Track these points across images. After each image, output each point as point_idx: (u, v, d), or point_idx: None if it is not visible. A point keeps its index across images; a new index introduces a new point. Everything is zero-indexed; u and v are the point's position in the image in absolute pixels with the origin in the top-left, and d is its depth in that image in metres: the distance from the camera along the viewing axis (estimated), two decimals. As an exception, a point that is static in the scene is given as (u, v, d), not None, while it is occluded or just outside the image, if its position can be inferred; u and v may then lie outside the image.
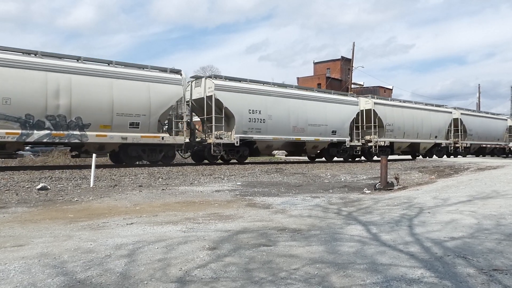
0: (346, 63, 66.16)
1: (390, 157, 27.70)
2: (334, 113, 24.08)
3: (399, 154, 30.21)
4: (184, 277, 3.29)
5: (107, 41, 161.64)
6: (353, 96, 26.84)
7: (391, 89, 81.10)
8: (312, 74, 75.96)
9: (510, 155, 37.95)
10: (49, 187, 9.73)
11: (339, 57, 74.10)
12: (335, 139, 24.01)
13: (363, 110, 26.22)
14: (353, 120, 25.37)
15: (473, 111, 37.41)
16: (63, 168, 14.61)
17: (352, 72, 49.97)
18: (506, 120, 39.78)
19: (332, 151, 24.52)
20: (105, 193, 9.14)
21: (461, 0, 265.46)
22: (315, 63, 79.09)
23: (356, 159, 26.76)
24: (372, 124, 25.82)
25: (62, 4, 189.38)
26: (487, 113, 38.99)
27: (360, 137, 25.89)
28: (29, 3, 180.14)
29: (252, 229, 5.26)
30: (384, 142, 26.40)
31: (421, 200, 7.98)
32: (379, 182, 10.77)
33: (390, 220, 5.80)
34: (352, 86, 53.03)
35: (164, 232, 5.03)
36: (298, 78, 73.94)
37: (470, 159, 26.42)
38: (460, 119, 33.11)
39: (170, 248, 4.21)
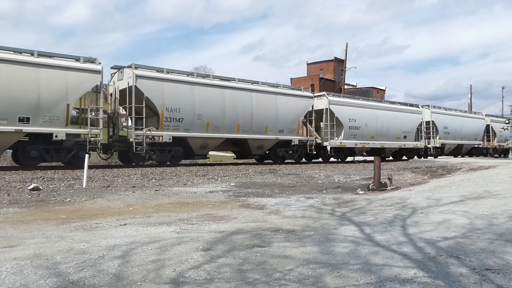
0: (339, 64, 66.36)
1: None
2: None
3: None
4: (178, 278, 3.28)
5: (102, 40, 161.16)
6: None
7: (384, 90, 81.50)
8: (306, 75, 76.09)
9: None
10: (41, 188, 9.65)
11: (333, 58, 74.30)
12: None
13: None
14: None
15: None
16: (55, 168, 14.50)
17: (345, 73, 50.12)
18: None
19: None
20: (98, 194, 9.09)
21: (456, 0, 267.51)
22: (308, 64, 79.20)
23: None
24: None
25: (56, 2, 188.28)
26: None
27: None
28: (23, 1, 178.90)
29: (246, 230, 5.26)
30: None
31: (414, 200, 8.02)
32: (373, 182, 10.82)
33: (384, 221, 5.82)
34: (345, 87, 53.19)
35: (157, 233, 5.00)
36: (291, 79, 74.00)
37: (462, 160, 26.56)
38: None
39: (163, 249, 4.19)
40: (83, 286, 3.11)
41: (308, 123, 23.60)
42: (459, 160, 26.23)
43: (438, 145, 31.34)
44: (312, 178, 14.24)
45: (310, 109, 22.98)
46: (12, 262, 3.69)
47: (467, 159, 27.88)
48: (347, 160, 26.15)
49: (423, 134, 30.31)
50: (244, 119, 19.65)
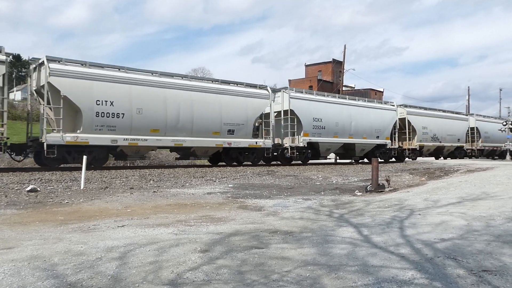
0: (337, 65, 66.54)
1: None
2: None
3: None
4: (176, 280, 3.28)
5: (100, 41, 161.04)
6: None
7: (382, 92, 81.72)
8: (304, 77, 76.21)
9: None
10: (39, 189, 9.64)
11: (331, 60, 74.47)
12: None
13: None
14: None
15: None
16: (53, 170, 14.47)
17: (343, 75, 50.22)
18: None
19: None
20: (96, 195, 9.08)
21: (455, 3, 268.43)
22: (306, 66, 79.44)
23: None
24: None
25: (54, 3, 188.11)
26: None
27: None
28: (21, 2, 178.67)
29: (244, 231, 5.26)
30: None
31: (412, 202, 8.04)
32: (370, 184, 10.83)
33: (381, 222, 5.83)
34: (344, 88, 53.27)
35: (155, 235, 5.00)
36: (289, 80, 74.19)
37: (460, 161, 26.55)
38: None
39: (161, 250, 4.19)
40: (81, 288, 3.10)
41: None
42: (456, 161, 26.16)
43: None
44: (310, 179, 14.25)
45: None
46: (9, 263, 3.69)
47: (464, 161, 27.79)
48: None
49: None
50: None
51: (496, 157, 39.06)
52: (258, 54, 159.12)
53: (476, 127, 36.71)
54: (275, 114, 22.45)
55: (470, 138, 36.13)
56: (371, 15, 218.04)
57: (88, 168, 12.58)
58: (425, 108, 32.50)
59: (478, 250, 4.18)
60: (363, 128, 25.51)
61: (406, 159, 29.20)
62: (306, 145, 22.19)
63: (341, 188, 11.59)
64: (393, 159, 28.65)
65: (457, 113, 36.43)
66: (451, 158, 33.04)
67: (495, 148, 39.19)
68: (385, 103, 29.31)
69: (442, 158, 33.38)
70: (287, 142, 21.98)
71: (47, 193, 9.26)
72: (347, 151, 25.99)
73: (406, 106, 30.11)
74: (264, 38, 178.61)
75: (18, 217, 6.40)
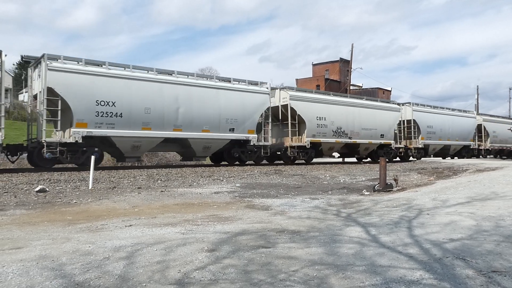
0: (345, 64, 66.27)
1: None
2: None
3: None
4: (183, 279, 3.28)
5: (108, 42, 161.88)
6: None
7: (390, 91, 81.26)
8: (311, 76, 76.05)
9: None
10: (47, 189, 9.71)
11: (338, 59, 74.21)
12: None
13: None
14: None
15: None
16: (61, 170, 14.58)
17: (350, 74, 50.02)
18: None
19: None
20: (104, 195, 9.13)
21: (463, 2, 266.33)
22: (313, 65, 79.21)
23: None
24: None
25: (63, 5, 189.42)
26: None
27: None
28: (30, 5, 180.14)
29: (251, 231, 5.25)
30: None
31: (420, 201, 7.98)
32: (378, 183, 10.77)
33: (389, 222, 5.79)
34: (351, 87, 53.07)
35: (163, 234, 5.02)
36: (297, 80, 74.04)
37: (469, 161, 26.33)
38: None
39: (169, 250, 4.20)
40: (88, 287, 3.12)
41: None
42: (465, 161, 25.89)
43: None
44: (318, 179, 14.21)
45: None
46: (18, 263, 3.72)
47: (473, 160, 27.52)
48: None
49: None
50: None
51: (504, 157, 38.57)
52: (265, 54, 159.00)
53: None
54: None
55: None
56: (379, 15, 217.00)
57: (96, 168, 12.65)
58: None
59: (488, 250, 4.14)
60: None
61: (411, 158, 28.77)
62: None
63: (349, 187, 11.54)
64: (398, 159, 28.35)
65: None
66: (458, 158, 32.61)
67: (503, 148, 38.69)
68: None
69: (449, 157, 32.92)
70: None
71: (55, 193, 9.33)
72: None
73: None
74: (271, 38, 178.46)
75: (27, 217, 6.45)
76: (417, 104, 30.63)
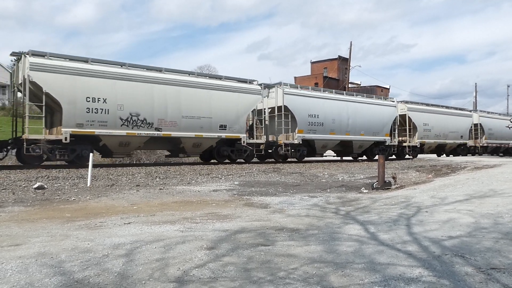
0: (343, 62, 66.24)
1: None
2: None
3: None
4: (182, 277, 3.28)
5: (107, 39, 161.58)
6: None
7: (388, 89, 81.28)
8: (310, 74, 76.03)
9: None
10: (46, 186, 9.69)
11: (337, 57, 74.19)
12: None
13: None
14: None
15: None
16: (60, 167, 14.56)
17: (349, 72, 50.01)
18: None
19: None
20: (102, 193, 9.12)
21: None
22: (312, 63, 79.24)
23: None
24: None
25: (62, 2, 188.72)
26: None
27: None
28: (29, 1, 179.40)
29: (250, 228, 5.25)
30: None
31: (419, 199, 7.99)
32: (377, 181, 10.79)
33: (388, 220, 5.80)
34: (349, 85, 53.07)
35: (161, 232, 5.01)
36: (295, 78, 74.05)
37: (467, 158, 26.35)
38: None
39: (168, 248, 4.20)
40: (87, 285, 3.11)
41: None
42: (463, 159, 25.92)
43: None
44: (316, 177, 14.22)
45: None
46: (17, 260, 3.71)
47: (471, 158, 27.57)
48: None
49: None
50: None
51: (500, 154, 38.58)
52: (265, 51, 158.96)
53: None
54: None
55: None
56: (378, 12, 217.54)
57: (94, 165, 12.63)
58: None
59: (486, 247, 4.15)
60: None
61: (407, 156, 28.77)
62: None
63: (347, 185, 11.55)
64: (393, 156, 28.30)
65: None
66: (454, 155, 32.61)
67: (499, 145, 38.69)
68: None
69: (444, 155, 32.89)
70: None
71: (54, 190, 9.31)
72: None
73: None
74: (271, 36, 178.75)
75: (25, 214, 6.44)
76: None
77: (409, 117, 28.75)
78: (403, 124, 28.98)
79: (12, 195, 8.48)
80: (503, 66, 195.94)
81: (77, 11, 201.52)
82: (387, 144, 26.74)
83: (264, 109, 21.74)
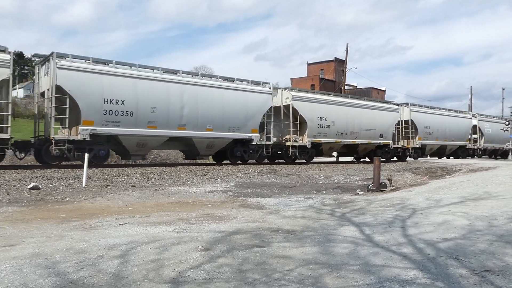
0: (339, 64, 66.40)
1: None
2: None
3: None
4: (177, 278, 3.28)
5: (104, 39, 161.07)
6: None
7: (384, 91, 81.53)
8: (306, 75, 76.12)
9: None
10: (40, 187, 9.65)
11: (333, 58, 74.34)
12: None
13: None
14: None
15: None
16: (55, 167, 14.50)
17: (345, 73, 50.12)
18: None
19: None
20: (98, 193, 9.08)
21: (460, 1, 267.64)
22: (308, 64, 79.28)
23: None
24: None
25: (59, 1, 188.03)
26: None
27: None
28: (26, 0, 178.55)
29: (245, 230, 5.25)
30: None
31: (414, 201, 8.02)
32: (372, 183, 10.81)
33: (383, 221, 5.82)
34: (346, 87, 53.20)
35: (157, 233, 5.00)
36: (291, 79, 74.09)
37: (462, 161, 26.47)
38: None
39: (163, 248, 4.19)
40: (82, 286, 3.10)
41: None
42: (458, 161, 26.06)
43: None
44: (312, 178, 14.24)
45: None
46: (11, 261, 3.69)
47: (466, 160, 27.72)
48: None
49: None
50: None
51: (498, 157, 38.97)
52: (262, 52, 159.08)
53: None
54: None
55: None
56: (376, 14, 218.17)
57: (90, 166, 12.59)
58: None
59: (481, 250, 4.17)
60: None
61: (408, 158, 29.10)
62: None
63: (343, 187, 11.57)
64: (395, 158, 28.69)
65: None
66: (454, 158, 32.94)
67: (497, 148, 39.10)
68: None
69: (445, 157, 33.21)
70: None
71: (48, 191, 9.27)
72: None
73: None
74: (268, 36, 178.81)
75: (20, 214, 6.40)
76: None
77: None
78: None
79: (6, 195, 8.43)
80: (499, 68, 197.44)
81: (74, 10, 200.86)
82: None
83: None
